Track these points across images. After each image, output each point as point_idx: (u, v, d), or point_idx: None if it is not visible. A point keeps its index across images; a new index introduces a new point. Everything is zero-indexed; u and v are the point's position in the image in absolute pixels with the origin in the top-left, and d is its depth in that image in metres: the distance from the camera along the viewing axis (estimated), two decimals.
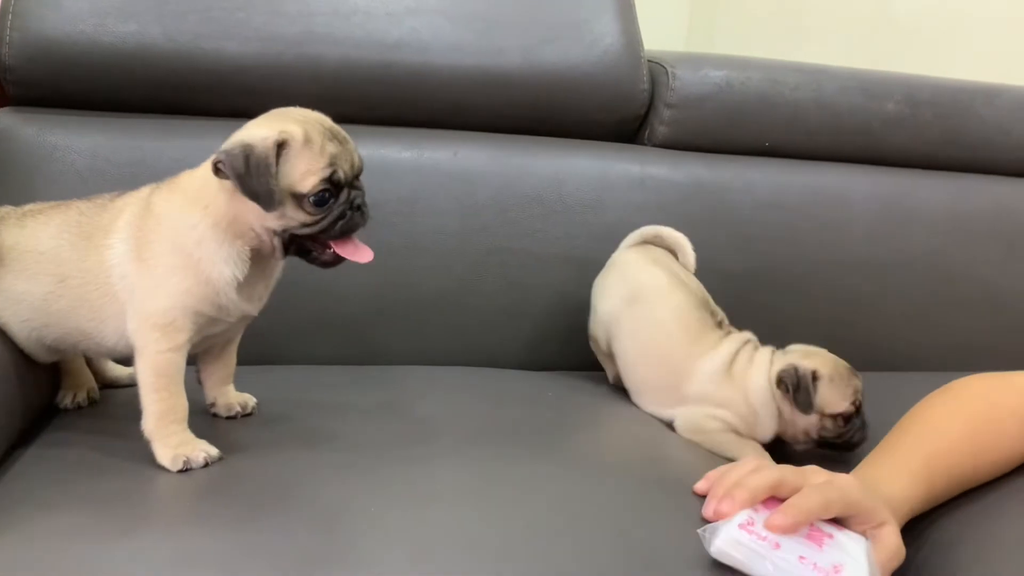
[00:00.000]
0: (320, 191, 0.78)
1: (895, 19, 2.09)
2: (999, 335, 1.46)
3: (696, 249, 1.30)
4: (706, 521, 0.71)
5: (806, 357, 1.04)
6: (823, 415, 1.01)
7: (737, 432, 1.02)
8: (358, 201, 0.81)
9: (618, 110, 1.34)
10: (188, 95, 1.19)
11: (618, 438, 0.95)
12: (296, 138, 0.78)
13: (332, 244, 0.82)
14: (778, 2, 2.16)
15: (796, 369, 1.01)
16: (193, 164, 0.86)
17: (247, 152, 0.77)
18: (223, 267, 0.80)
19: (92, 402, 0.94)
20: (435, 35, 1.24)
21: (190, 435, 0.81)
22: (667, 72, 1.35)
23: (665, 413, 1.05)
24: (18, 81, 1.14)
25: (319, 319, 1.17)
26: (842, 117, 1.41)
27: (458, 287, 1.22)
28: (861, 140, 1.43)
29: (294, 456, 0.82)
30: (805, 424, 1.02)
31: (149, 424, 0.79)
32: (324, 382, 1.03)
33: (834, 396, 1.01)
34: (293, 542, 0.67)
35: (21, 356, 0.89)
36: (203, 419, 0.89)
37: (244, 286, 0.82)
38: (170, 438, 0.79)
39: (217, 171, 0.78)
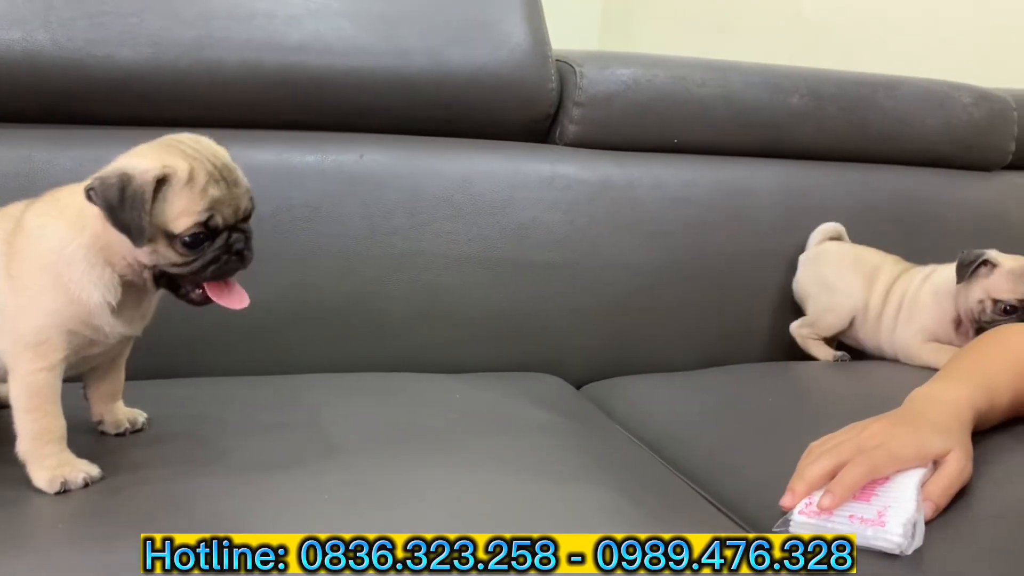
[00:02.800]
0: (193, 233, 0.76)
1: (807, 17, 2.14)
2: None
3: (606, 246, 1.33)
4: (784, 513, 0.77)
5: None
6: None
7: None
8: (238, 246, 0.79)
9: (527, 110, 1.34)
10: (80, 104, 1.15)
11: (516, 438, 0.95)
12: (179, 175, 0.76)
13: (204, 285, 0.80)
14: (692, 1, 2.19)
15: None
16: (86, 175, 0.82)
17: (124, 183, 0.74)
18: (92, 291, 0.78)
19: None
20: (338, 37, 1.23)
21: (69, 455, 0.78)
22: (575, 71, 1.35)
23: None
24: None
25: (221, 329, 1.14)
26: (748, 112, 1.44)
27: (368, 291, 1.21)
28: (767, 134, 1.46)
29: (182, 473, 0.80)
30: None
31: (23, 445, 0.77)
32: (222, 395, 1.01)
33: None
34: None
35: None
36: (90, 437, 0.87)
37: (122, 309, 0.80)
38: (47, 459, 0.77)
39: (89, 198, 0.75)
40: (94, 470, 0.78)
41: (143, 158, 0.77)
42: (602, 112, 1.36)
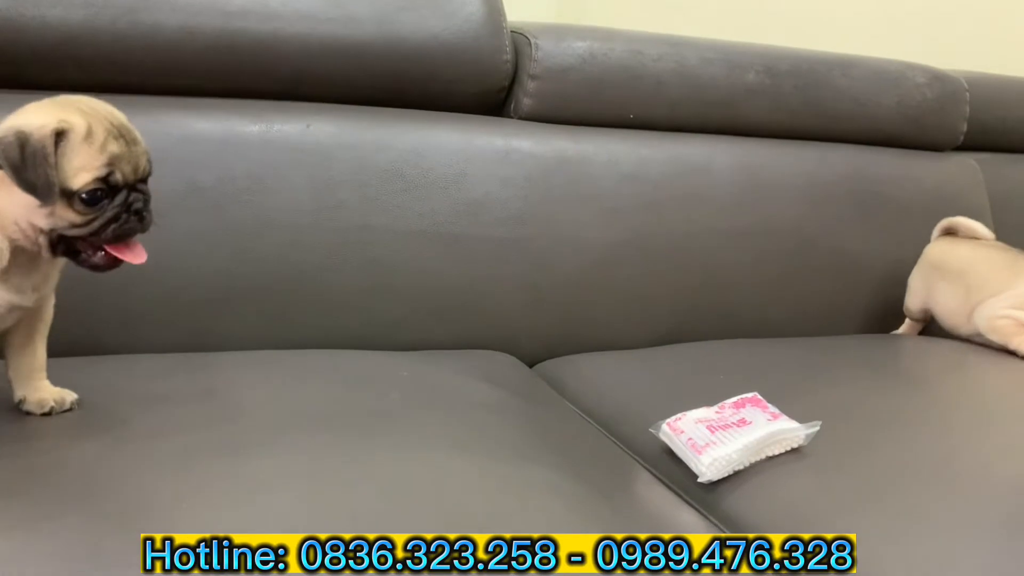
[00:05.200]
0: (92, 190, 0.74)
1: None
2: (855, 299, 1.52)
3: (560, 223, 1.30)
4: None
5: None
6: None
7: None
8: (137, 205, 0.77)
9: (480, 81, 1.31)
10: (9, 67, 1.09)
11: (465, 417, 0.92)
12: (77, 130, 0.73)
13: (104, 247, 0.77)
14: None
15: None
16: None
17: (23, 140, 0.71)
18: None
19: None
20: (283, 2, 1.18)
21: None
22: (530, 43, 1.32)
23: None
24: None
25: (160, 305, 1.10)
26: (704, 88, 1.42)
27: (314, 267, 1.17)
28: (723, 111, 1.45)
29: (105, 453, 0.76)
30: None
31: None
32: (156, 373, 0.97)
33: None
34: (91, 543, 0.62)
35: None
36: (12, 416, 0.83)
37: (9, 277, 0.76)
38: None
39: None
40: None
41: (37, 114, 0.74)
42: (557, 85, 1.33)
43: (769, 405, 0.95)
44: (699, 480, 0.88)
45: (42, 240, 0.75)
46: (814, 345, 1.34)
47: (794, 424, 0.91)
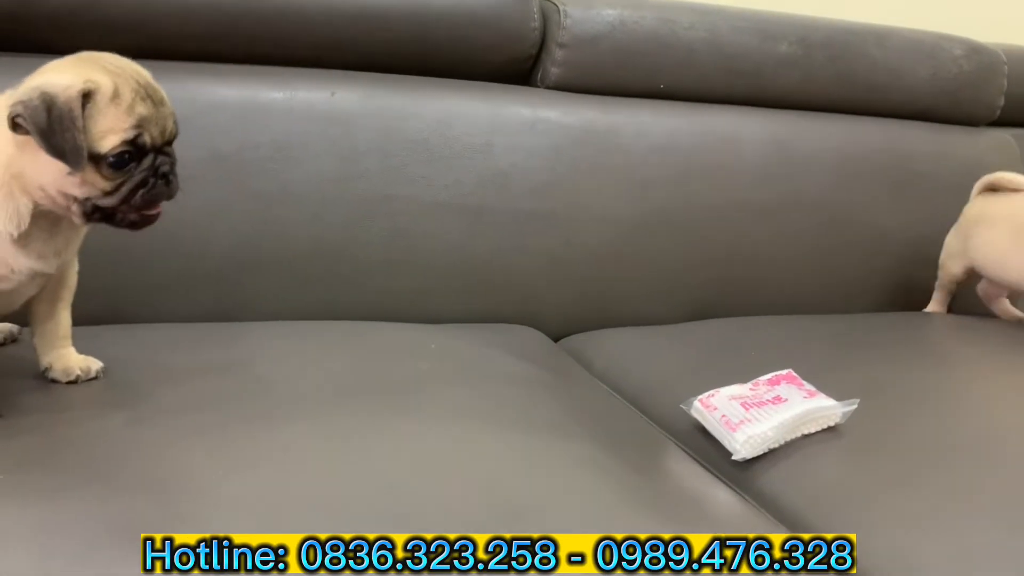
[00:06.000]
0: (120, 153, 0.71)
1: None
2: (885, 276, 1.49)
3: (587, 195, 1.28)
4: None
5: None
6: None
7: None
8: (164, 168, 0.74)
9: (507, 50, 1.28)
10: (28, 31, 1.08)
11: (492, 390, 0.91)
12: (103, 90, 0.70)
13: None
14: None
15: None
16: None
17: (48, 103, 0.68)
18: None
19: None
20: None
21: None
22: (559, 10, 1.29)
23: None
24: None
25: (179, 274, 1.09)
26: (735, 58, 1.39)
27: (337, 237, 1.16)
28: (754, 81, 1.42)
29: (130, 425, 0.75)
30: None
31: None
32: (180, 342, 0.96)
33: None
34: (118, 513, 0.61)
35: None
36: (38, 384, 0.82)
37: (30, 241, 0.74)
38: None
39: (15, 126, 0.69)
40: None
41: (62, 74, 0.71)
42: (586, 54, 1.30)
43: (804, 382, 0.93)
44: (733, 458, 0.86)
45: (75, 208, 0.73)
46: (845, 322, 1.31)
47: (831, 402, 0.89)
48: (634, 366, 1.13)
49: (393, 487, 0.68)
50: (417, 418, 0.81)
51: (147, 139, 0.72)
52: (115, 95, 0.70)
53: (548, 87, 1.31)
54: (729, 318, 1.31)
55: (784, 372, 0.95)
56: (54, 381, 0.82)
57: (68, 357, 0.83)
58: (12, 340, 0.92)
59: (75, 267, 0.84)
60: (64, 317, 0.84)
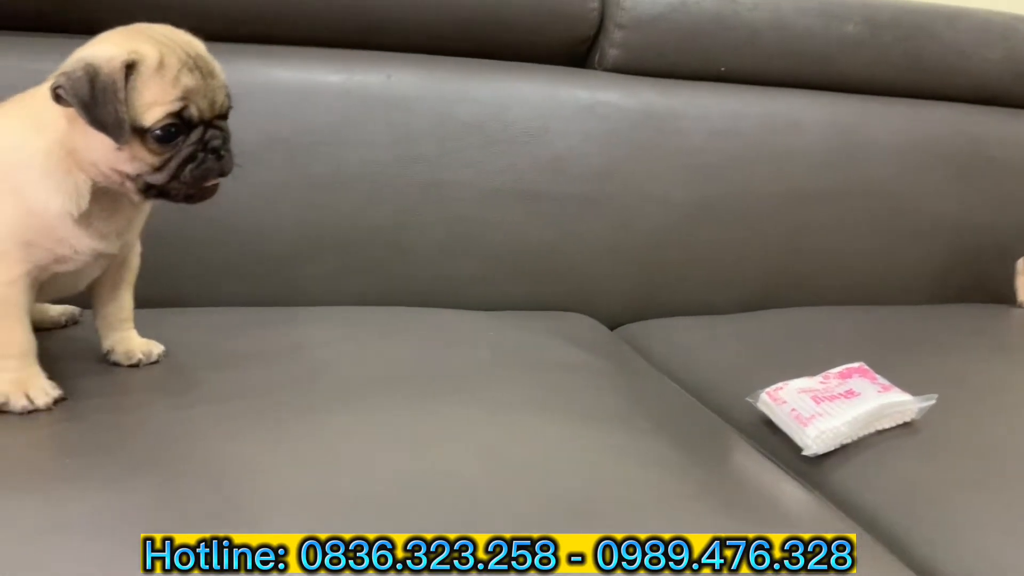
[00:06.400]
0: (166, 125, 0.69)
1: None
2: (954, 267, 1.43)
3: (645, 180, 1.25)
4: None
5: None
6: None
7: None
8: (215, 143, 0.71)
9: (565, 31, 1.25)
10: (81, 12, 1.07)
11: (551, 379, 0.89)
12: (148, 61, 0.68)
13: None
14: None
15: None
16: None
17: (91, 74, 0.66)
18: (51, 198, 0.71)
19: None
20: None
21: (30, 372, 0.73)
22: None
23: None
24: None
25: (237, 258, 1.08)
26: (799, 40, 1.35)
27: (392, 223, 1.14)
28: (818, 64, 1.37)
29: (190, 411, 0.74)
30: None
31: None
32: (236, 326, 0.95)
33: None
34: (177, 503, 0.61)
35: None
36: (99, 368, 0.81)
37: (92, 221, 0.73)
38: (4, 372, 0.72)
39: (58, 98, 0.68)
40: (49, 393, 0.72)
41: (108, 44, 0.69)
42: (646, 36, 1.27)
43: (878, 376, 0.89)
44: (803, 453, 0.83)
45: (129, 185, 0.71)
46: (916, 313, 1.27)
47: (907, 396, 0.85)
48: (694, 356, 1.11)
49: (455, 483, 0.66)
50: (477, 408, 0.79)
51: (194, 111, 0.70)
52: (160, 66, 0.68)
53: (606, 69, 1.28)
54: (791, 308, 1.27)
55: (856, 365, 0.91)
56: (116, 364, 0.82)
57: (130, 340, 0.83)
58: (74, 322, 0.92)
59: (137, 249, 0.84)
60: (126, 299, 0.83)
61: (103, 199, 0.73)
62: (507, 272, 1.20)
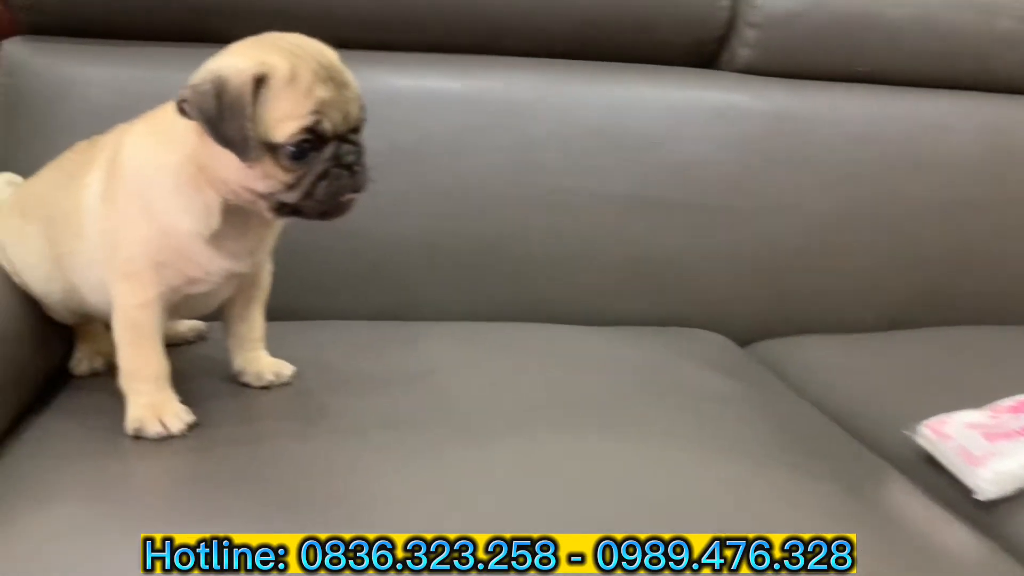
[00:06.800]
0: (300, 141, 0.65)
1: None
2: None
3: (779, 188, 1.18)
4: None
5: None
6: None
7: None
8: (348, 158, 0.67)
9: (693, 31, 1.20)
10: (216, 20, 1.07)
11: (688, 406, 0.83)
12: (279, 73, 0.64)
13: None
14: None
15: None
16: None
17: (219, 88, 0.63)
18: (182, 218, 0.68)
19: (112, 368, 0.85)
20: None
21: (164, 396, 0.71)
22: None
23: None
24: (28, 6, 1.04)
25: (357, 269, 1.06)
26: (948, 37, 1.25)
27: (511, 232, 1.11)
28: (969, 63, 1.27)
29: (326, 440, 0.72)
30: None
31: (120, 379, 0.71)
32: (359, 344, 0.93)
33: None
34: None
35: (40, 316, 0.81)
36: (230, 389, 0.80)
37: (223, 241, 0.70)
38: (139, 397, 0.70)
39: (183, 111, 0.65)
40: (183, 419, 0.70)
41: (237, 56, 0.66)
42: (780, 34, 1.20)
43: None
44: (975, 496, 0.74)
45: (261, 204, 0.68)
46: None
47: None
48: (838, 380, 1.03)
49: (603, 525, 0.62)
50: (616, 440, 0.75)
51: (327, 126, 0.66)
52: (292, 78, 0.64)
53: (736, 71, 1.22)
54: (942, 327, 1.18)
55: None
56: (246, 385, 0.80)
57: (260, 361, 0.81)
58: (201, 338, 0.91)
59: (269, 267, 0.81)
60: (257, 318, 0.81)
61: (233, 217, 0.70)
62: (629, 285, 1.15)
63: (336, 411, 0.76)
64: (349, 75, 0.69)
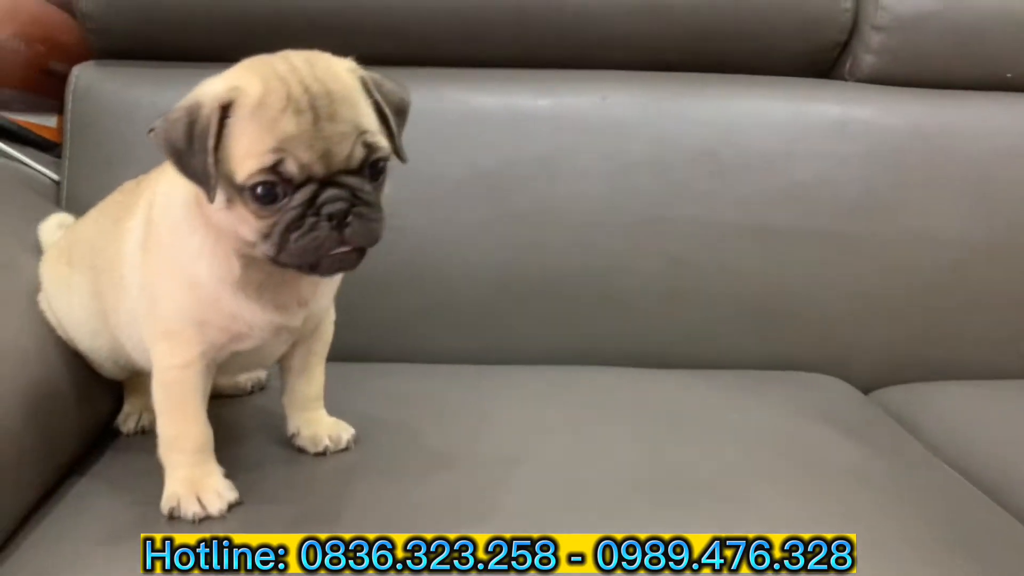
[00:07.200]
0: (260, 183, 0.55)
1: None
2: None
3: (912, 213, 1.07)
4: None
5: None
6: None
7: None
8: (333, 207, 0.56)
9: (810, 37, 1.10)
10: (284, 43, 1.01)
11: (822, 486, 0.72)
12: (245, 99, 0.55)
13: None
14: None
15: None
16: None
17: (193, 115, 0.55)
18: (200, 264, 0.61)
19: None
20: None
21: (206, 469, 0.64)
22: None
23: None
24: (99, 30, 1.02)
25: (432, 304, 1.00)
26: None
27: (603, 265, 1.03)
28: None
29: (380, 521, 0.63)
30: None
31: (159, 449, 0.65)
32: (431, 396, 0.85)
33: None
34: None
35: (83, 370, 0.76)
36: (284, 453, 0.73)
37: (261, 291, 0.62)
38: (177, 469, 0.64)
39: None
40: (224, 497, 0.63)
41: (220, 79, 0.58)
42: (910, 38, 1.09)
43: None
44: None
45: (258, 252, 0.59)
46: None
47: None
48: (980, 436, 0.91)
49: None
50: (729, 528, 0.63)
51: (291, 167, 0.55)
52: (258, 106, 0.55)
53: (860, 80, 1.12)
54: None
55: None
56: (301, 450, 0.73)
57: (318, 422, 0.73)
58: (260, 388, 0.85)
59: (331, 316, 0.73)
60: (318, 374, 0.73)
61: (266, 265, 0.61)
62: (736, 324, 1.05)
63: (402, 494, 0.68)
64: (347, 106, 0.57)
